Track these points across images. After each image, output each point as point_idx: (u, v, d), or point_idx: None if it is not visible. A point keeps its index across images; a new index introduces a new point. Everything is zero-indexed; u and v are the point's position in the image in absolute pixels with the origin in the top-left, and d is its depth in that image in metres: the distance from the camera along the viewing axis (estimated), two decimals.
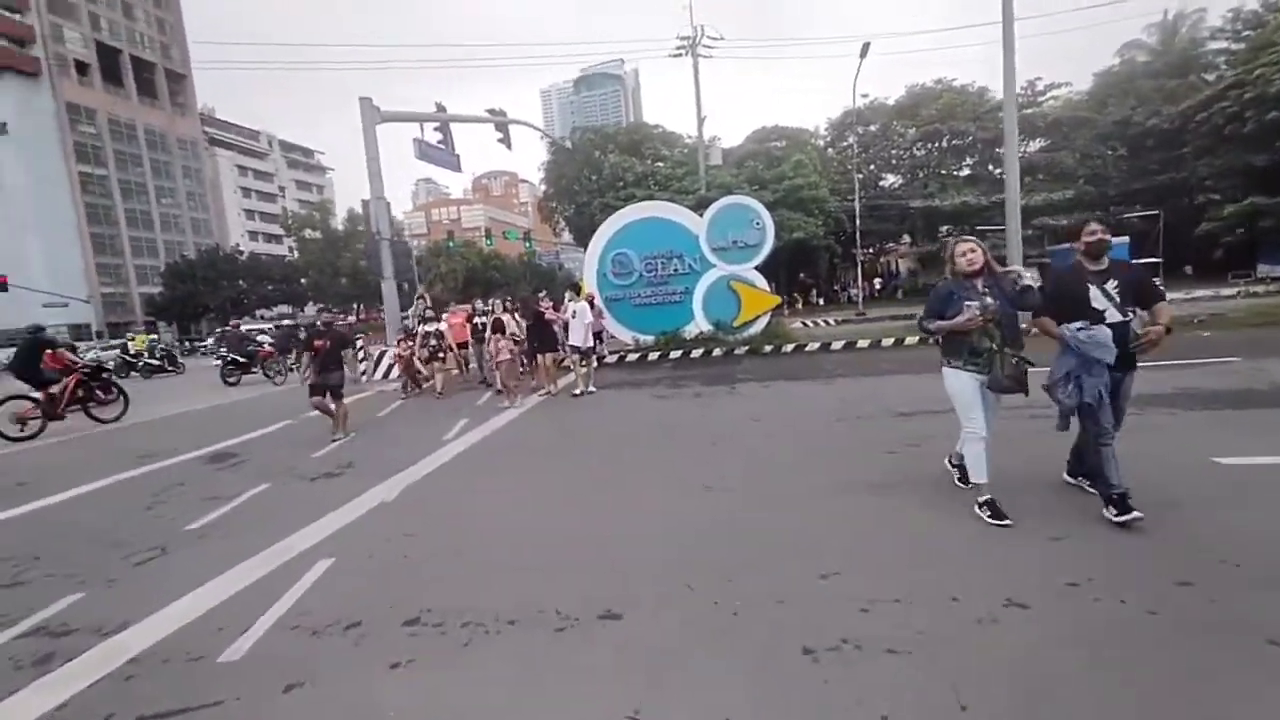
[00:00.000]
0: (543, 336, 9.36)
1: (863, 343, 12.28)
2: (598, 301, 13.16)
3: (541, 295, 12.47)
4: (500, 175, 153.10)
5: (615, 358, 13.11)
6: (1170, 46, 37.96)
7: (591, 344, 9.64)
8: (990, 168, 38.37)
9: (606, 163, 35.05)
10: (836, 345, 12.36)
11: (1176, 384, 6.75)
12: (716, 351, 12.68)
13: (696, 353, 12.75)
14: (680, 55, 30.14)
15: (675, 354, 12.84)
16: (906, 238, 43.59)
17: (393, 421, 8.56)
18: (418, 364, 10.20)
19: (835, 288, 45.01)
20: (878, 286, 41.76)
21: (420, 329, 10.14)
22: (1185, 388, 6.59)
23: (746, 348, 12.63)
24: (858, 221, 28.45)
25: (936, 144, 39.00)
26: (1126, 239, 26.52)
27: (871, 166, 40.31)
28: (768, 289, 13.22)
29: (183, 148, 69.04)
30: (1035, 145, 36.98)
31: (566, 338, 9.75)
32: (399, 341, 10.75)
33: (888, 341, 12.23)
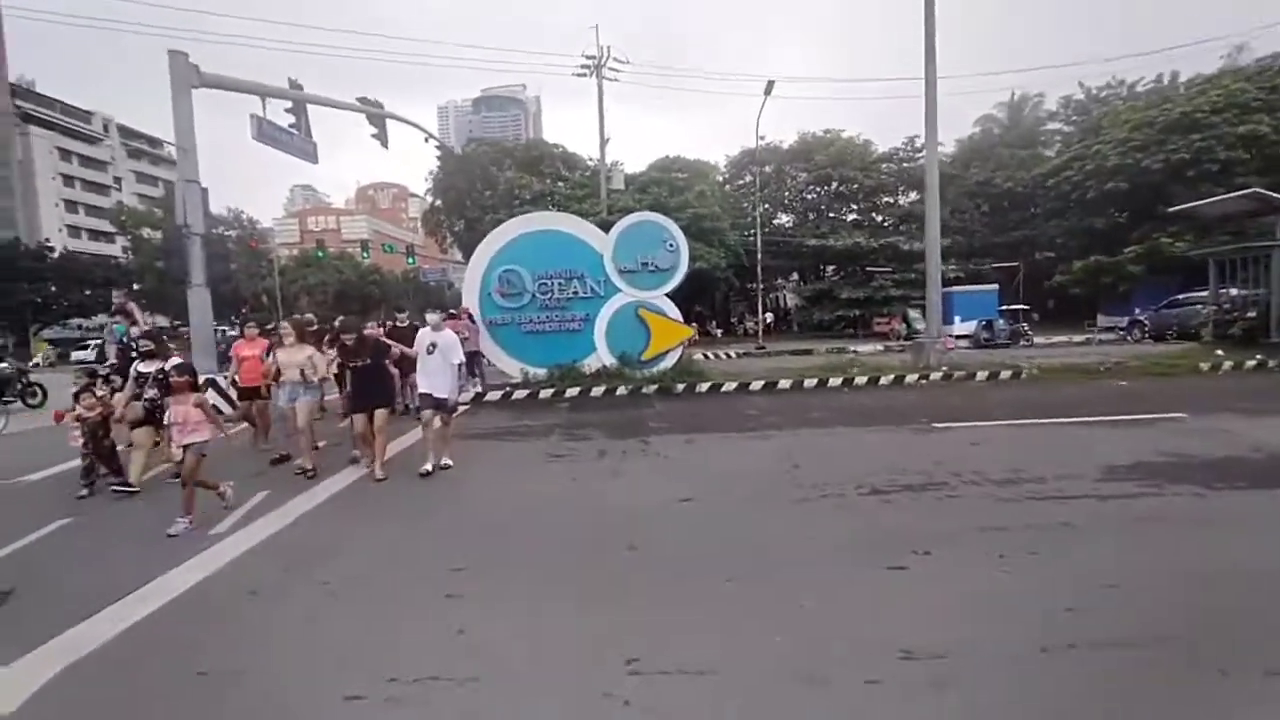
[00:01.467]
0: (369, 384, 5.93)
1: (784, 383, 11.01)
2: (476, 318, 11.00)
3: (401, 317, 9.72)
4: (388, 188, 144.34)
5: (499, 394, 10.89)
6: (1017, 122, 42.77)
7: (454, 401, 6.26)
8: (874, 215, 40.70)
9: (502, 178, 32.74)
10: (756, 386, 10.98)
11: (1155, 447, 5.84)
12: (621, 390, 10.86)
13: (598, 390, 10.86)
14: (585, 75, 28.97)
15: (572, 391, 10.86)
16: (795, 275, 45.06)
17: (126, 520, 4.97)
18: (120, 432, 5.81)
19: (731, 320, 45.43)
20: (770, 320, 42.50)
21: (136, 368, 5.78)
22: (1170, 452, 5.67)
23: (656, 386, 10.93)
24: (759, 255, 28.35)
25: (826, 188, 40.74)
26: (996, 286, 28.51)
27: (766, 205, 41.30)
28: (680, 319, 11.68)
29: None
30: (912, 197, 39.68)
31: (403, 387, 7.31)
32: (77, 395, 5.71)
33: (811, 382, 11.05)
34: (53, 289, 45.80)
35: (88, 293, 48.38)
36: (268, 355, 6.58)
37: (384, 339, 6.54)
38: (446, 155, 34.09)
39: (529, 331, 11.54)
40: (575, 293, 11.47)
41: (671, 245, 11.29)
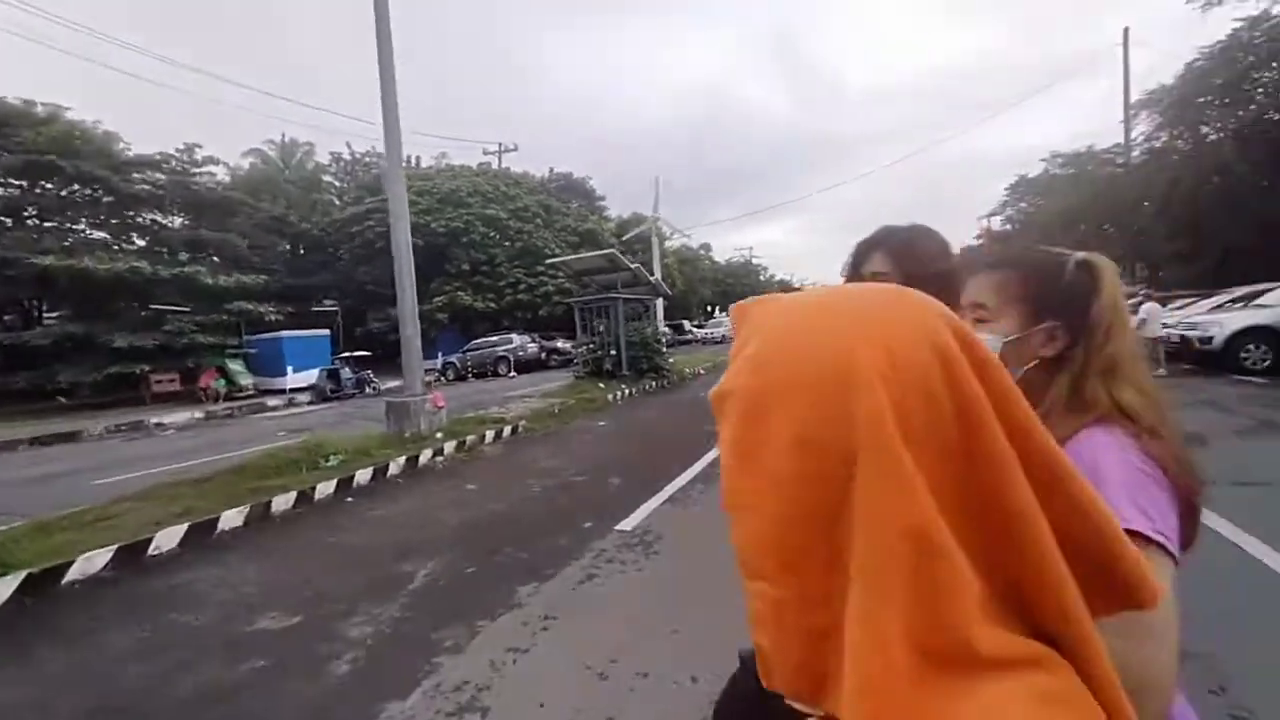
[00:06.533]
0: None
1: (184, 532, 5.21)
2: None
3: None
4: None
5: None
6: (290, 164, 41.27)
7: None
8: (134, 237, 29.94)
9: None
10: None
11: None
12: None
13: None
14: None
15: None
16: None
17: None
18: None
19: None
20: None
21: None
22: None
23: None
24: None
25: (43, 185, 27.32)
26: (328, 331, 26.10)
27: None
28: None
29: None
30: (179, 222, 31.44)
31: None
32: None
33: (231, 513, 5.62)
34: None
35: None
36: None
37: None
38: None
39: None
40: None
41: None
